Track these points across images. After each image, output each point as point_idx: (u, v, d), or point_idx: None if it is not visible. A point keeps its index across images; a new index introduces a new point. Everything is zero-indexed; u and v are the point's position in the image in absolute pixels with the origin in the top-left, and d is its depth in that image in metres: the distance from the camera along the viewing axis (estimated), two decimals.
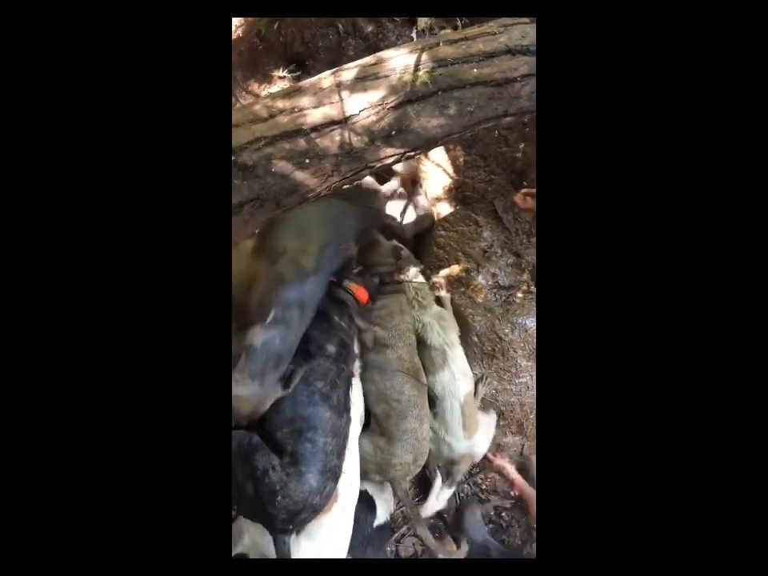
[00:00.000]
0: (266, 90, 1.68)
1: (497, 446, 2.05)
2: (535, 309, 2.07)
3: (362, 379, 1.55)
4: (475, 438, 1.66)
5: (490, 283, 2.10)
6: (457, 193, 2.06)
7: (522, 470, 1.65)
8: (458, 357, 1.71)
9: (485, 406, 2.01)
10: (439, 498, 1.65)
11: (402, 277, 1.74)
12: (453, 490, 1.67)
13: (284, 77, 1.71)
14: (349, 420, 1.41)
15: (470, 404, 1.67)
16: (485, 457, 1.77)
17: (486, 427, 1.71)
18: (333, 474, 1.31)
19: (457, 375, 1.67)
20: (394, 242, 1.80)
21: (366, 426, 1.56)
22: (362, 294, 1.57)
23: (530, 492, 1.55)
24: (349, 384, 1.44)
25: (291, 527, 1.27)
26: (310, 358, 1.37)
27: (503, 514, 1.93)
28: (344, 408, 1.38)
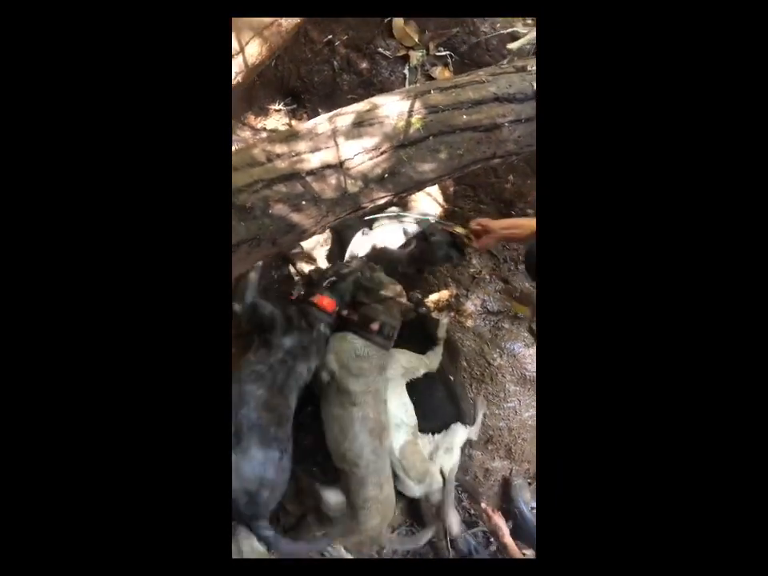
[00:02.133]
0: (261, 123, 1.73)
1: (485, 471, 2.08)
2: (523, 334, 2.13)
3: (324, 429, 1.52)
4: (428, 479, 1.62)
5: (478, 309, 2.14)
6: None
7: (515, 528, 1.66)
8: (393, 404, 1.63)
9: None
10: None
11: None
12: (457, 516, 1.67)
13: (280, 110, 1.76)
14: (290, 403, 1.43)
15: (409, 454, 1.60)
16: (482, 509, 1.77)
17: (446, 453, 1.68)
18: (278, 443, 1.36)
19: (391, 424, 1.61)
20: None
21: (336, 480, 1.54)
22: (326, 302, 1.54)
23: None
24: (293, 377, 1.44)
25: (258, 512, 1.31)
26: (263, 346, 1.44)
27: (492, 539, 1.94)
28: (282, 390, 1.41)
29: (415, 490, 1.61)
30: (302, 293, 1.65)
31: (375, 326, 1.52)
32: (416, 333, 1.84)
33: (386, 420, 1.56)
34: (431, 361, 1.76)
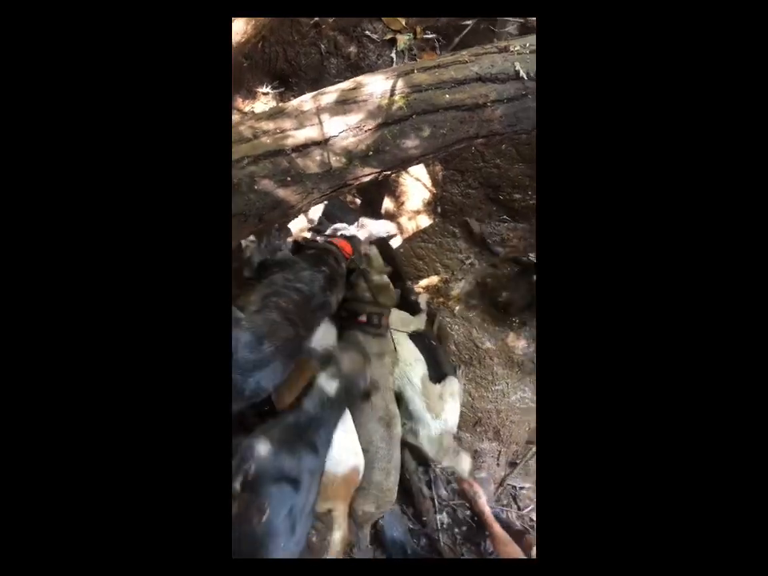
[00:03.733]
0: (249, 106, 1.73)
1: (474, 452, 2.11)
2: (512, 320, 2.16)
3: None
4: (444, 415, 1.70)
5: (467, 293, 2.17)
6: (435, 206, 2.13)
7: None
8: (405, 348, 1.76)
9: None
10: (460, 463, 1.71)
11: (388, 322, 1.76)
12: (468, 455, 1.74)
13: (267, 93, 1.77)
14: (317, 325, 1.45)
15: (427, 385, 1.71)
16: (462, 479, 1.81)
17: (451, 398, 1.75)
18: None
19: (408, 362, 1.71)
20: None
21: None
22: (345, 246, 1.66)
23: (498, 531, 1.59)
24: (327, 305, 1.47)
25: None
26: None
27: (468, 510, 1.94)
28: (315, 312, 1.42)
29: (432, 426, 1.67)
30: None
31: (363, 318, 1.66)
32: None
33: (395, 410, 1.60)
34: (417, 321, 1.93)
